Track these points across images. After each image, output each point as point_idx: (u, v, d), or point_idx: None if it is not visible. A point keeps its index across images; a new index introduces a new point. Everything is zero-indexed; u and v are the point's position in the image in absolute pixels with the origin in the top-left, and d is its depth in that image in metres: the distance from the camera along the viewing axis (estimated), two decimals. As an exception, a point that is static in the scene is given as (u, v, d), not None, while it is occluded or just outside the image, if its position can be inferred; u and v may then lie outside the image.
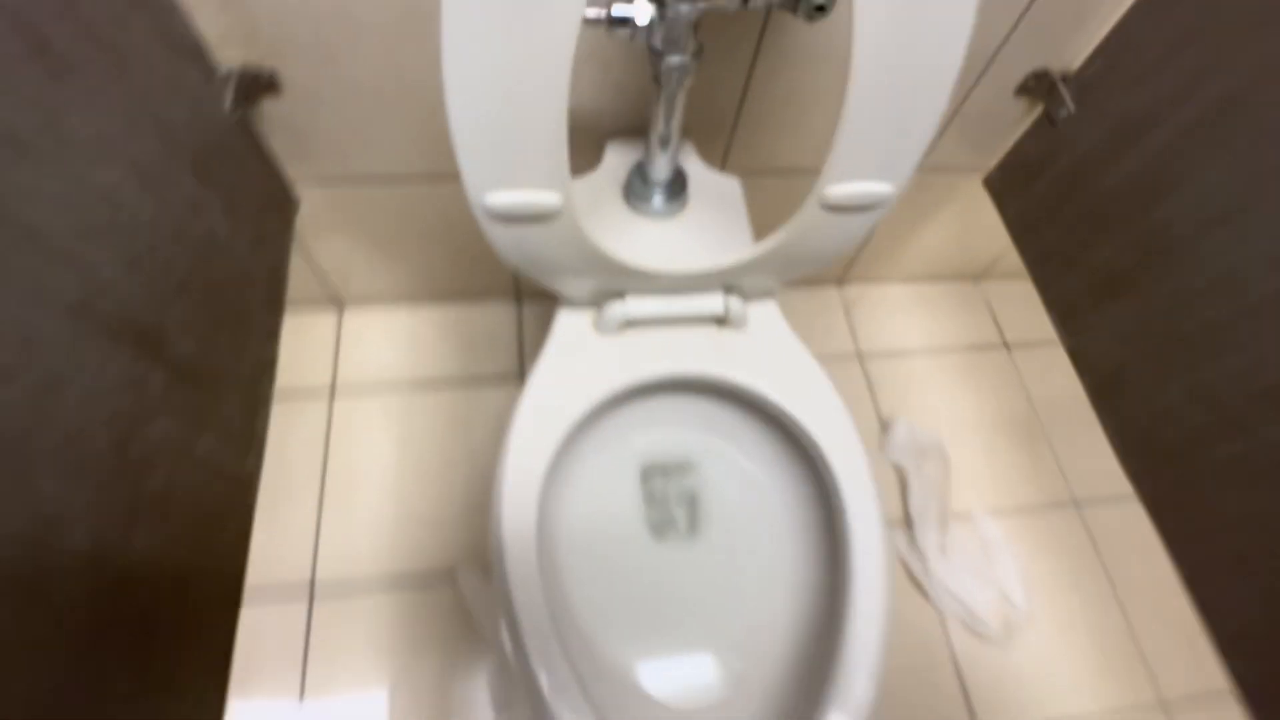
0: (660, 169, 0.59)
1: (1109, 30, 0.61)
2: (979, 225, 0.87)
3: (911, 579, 0.81)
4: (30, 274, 0.31)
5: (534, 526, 0.48)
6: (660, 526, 0.62)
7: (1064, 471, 0.91)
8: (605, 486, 0.62)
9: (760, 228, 0.57)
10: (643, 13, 0.44)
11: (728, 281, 0.54)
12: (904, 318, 0.99)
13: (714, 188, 0.63)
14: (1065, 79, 0.66)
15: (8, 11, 0.31)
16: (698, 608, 0.58)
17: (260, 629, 0.73)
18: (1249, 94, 0.49)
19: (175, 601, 0.41)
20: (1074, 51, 0.64)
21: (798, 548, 0.57)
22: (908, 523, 0.84)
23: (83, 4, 0.37)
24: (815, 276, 1.00)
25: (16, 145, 0.31)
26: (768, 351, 0.57)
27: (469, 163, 0.39)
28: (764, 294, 0.58)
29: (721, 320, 0.57)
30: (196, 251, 0.46)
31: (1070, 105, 0.65)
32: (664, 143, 0.55)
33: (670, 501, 0.63)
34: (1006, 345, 1.00)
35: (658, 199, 0.60)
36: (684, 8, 0.44)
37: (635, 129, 0.65)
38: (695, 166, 0.64)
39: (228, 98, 0.52)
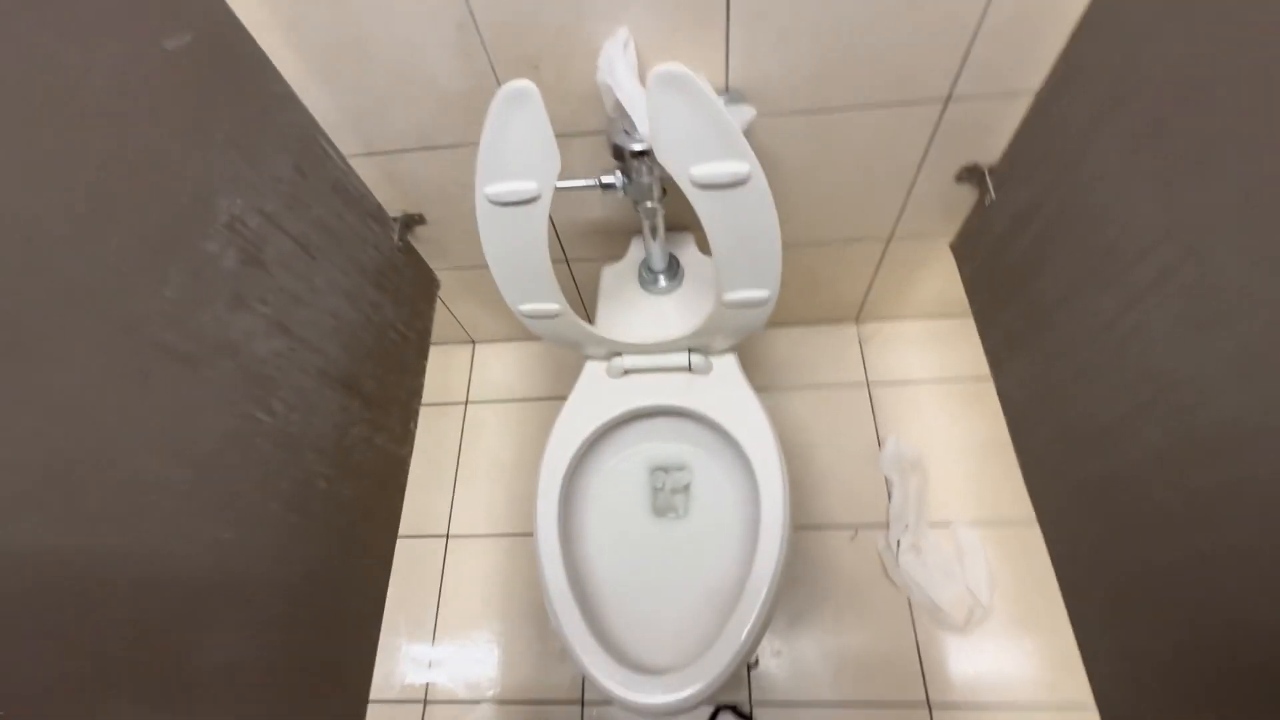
0: (656, 261, 0.85)
1: (1011, 138, 0.76)
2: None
3: (885, 573, 0.98)
4: (298, 358, 0.67)
5: (557, 508, 0.77)
6: (662, 509, 0.89)
7: (1056, 492, 1.01)
8: (623, 479, 0.89)
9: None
10: (617, 180, 0.71)
11: (688, 345, 0.79)
12: (912, 350, 1.14)
13: (704, 269, 0.88)
14: (991, 171, 0.81)
15: (279, 225, 0.67)
16: (685, 563, 0.84)
17: (413, 558, 1.11)
18: (1077, 205, 0.64)
19: (367, 524, 0.77)
20: (996, 150, 0.79)
21: (744, 524, 0.81)
22: (889, 525, 1.01)
23: (316, 208, 0.73)
24: (835, 317, 1.19)
25: (294, 298, 0.67)
26: (722, 391, 0.81)
27: (505, 289, 0.69)
28: (725, 350, 0.82)
29: (691, 369, 0.82)
30: (376, 330, 0.82)
31: (993, 193, 0.80)
32: (656, 245, 0.82)
33: (669, 491, 0.89)
34: (1017, 376, 1.11)
35: (659, 281, 0.87)
36: (645, 179, 0.70)
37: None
38: (691, 253, 0.89)
39: (395, 233, 0.88)
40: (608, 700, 0.97)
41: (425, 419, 1.23)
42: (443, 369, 1.28)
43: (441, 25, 0.64)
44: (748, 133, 0.75)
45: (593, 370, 0.86)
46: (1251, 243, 0.44)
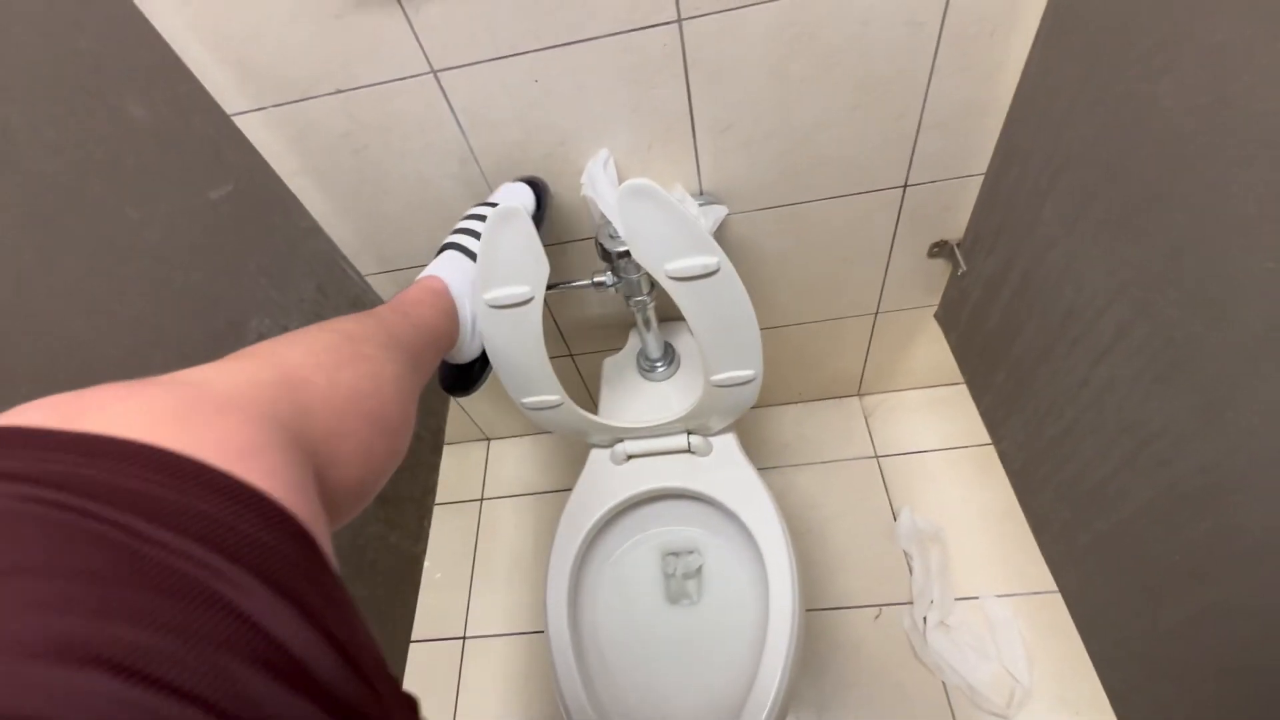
0: (652, 350, 0.90)
1: (970, 214, 0.81)
2: (957, 343, 1.04)
3: (915, 654, 0.94)
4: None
5: (566, 602, 0.77)
6: (675, 596, 0.88)
7: (1084, 558, 0.97)
8: (634, 567, 0.90)
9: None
10: (608, 278, 0.77)
11: (686, 427, 0.82)
12: (917, 419, 1.15)
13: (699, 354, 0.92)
14: (958, 244, 0.86)
15: None
16: (701, 652, 0.82)
17: (428, 663, 1.10)
18: (1037, 271, 0.68)
19: (379, 627, 0.78)
20: (960, 225, 0.85)
21: (757, 607, 0.80)
22: (913, 602, 0.98)
23: (345, 327, 0.80)
24: (836, 391, 1.21)
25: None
26: (724, 471, 0.83)
27: (508, 383, 0.74)
28: (723, 430, 0.85)
29: (691, 450, 0.84)
30: (392, 432, 0.87)
31: (963, 264, 0.84)
32: (650, 335, 0.87)
33: (681, 576, 0.89)
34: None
35: (657, 368, 0.91)
36: (633, 275, 0.77)
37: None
38: (686, 340, 0.94)
39: (410, 340, 0.95)
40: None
41: (441, 518, 1.25)
42: (458, 467, 1.31)
43: (447, 161, 0.73)
44: (724, 227, 0.82)
45: (597, 458, 0.89)
46: (1186, 297, 0.47)
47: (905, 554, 1.02)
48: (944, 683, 0.92)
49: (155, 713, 0.15)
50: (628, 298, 0.79)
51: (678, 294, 0.62)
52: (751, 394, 0.74)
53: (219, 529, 0.20)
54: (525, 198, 0.70)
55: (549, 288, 0.65)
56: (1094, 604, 0.68)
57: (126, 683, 0.15)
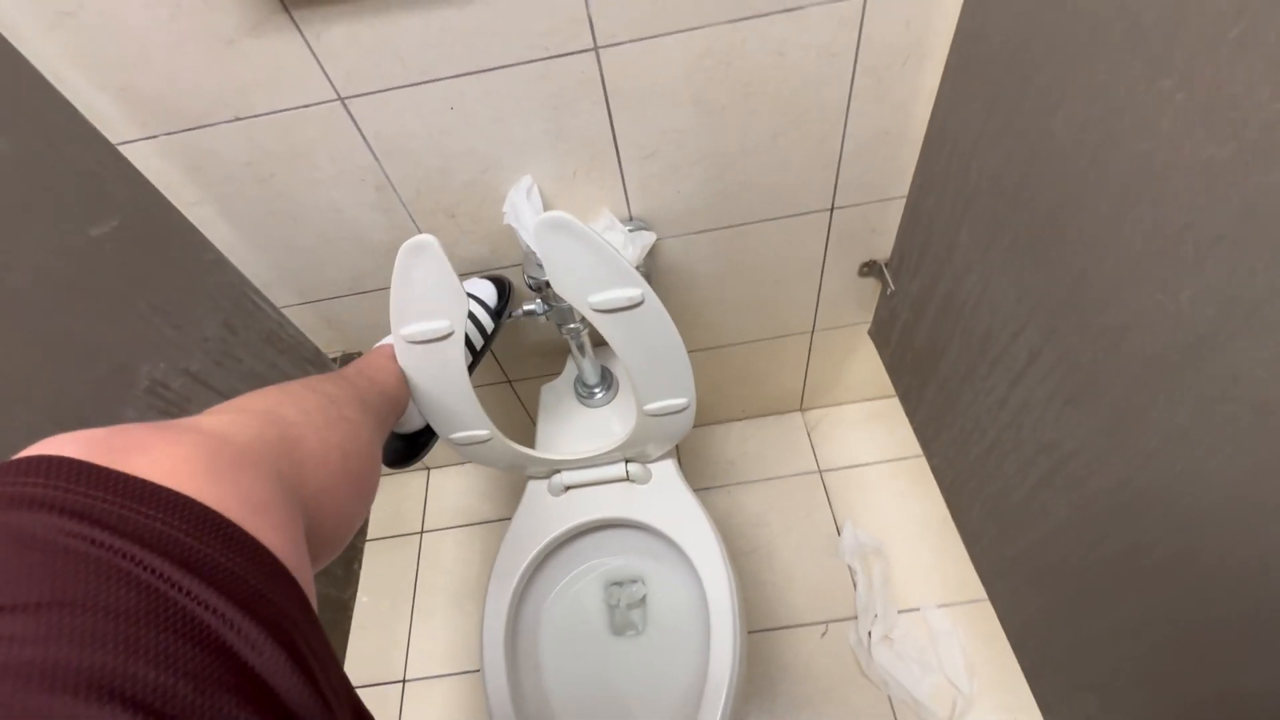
0: (589, 376, 0.88)
1: (895, 236, 0.83)
2: (892, 358, 1.06)
3: (861, 670, 0.95)
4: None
5: (503, 640, 0.75)
6: (620, 627, 0.86)
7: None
8: (576, 600, 0.87)
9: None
10: (538, 307, 0.75)
11: (624, 455, 0.81)
12: (858, 433, 1.17)
13: (636, 378, 0.91)
14: (886, 264, 0.87)
15: (205, 383, 0.69)
16: (647, 682, 0.80)
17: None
18: (957, 294, 0.69)
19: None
20: (886, 246, 0.86)
21: (701, 634, 0.78)
22: (858, 617, 0.98)
23: (249, 360, 0.75)
24: (779, 408, 1.22)
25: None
26: (663, 498, 0.82)
27: (434, 420, 0.71)
28: (661, 458, 0.84)
29: (630, 479, 0.83)
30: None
31: (891, 284, 0.86)
32: (586, 361, 0.85)
33: (625, 607, 0.87)
34: (961, 449, 1.13)
35: (595, 394, 0.90)
36: (563, 304, 0.75)
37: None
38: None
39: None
40: None
41: (377, 554, 1.19)
42: (395, 499, 1.26)
43: (362, 189, 0.70)
44: (655, 252, 0.81)
45: (535, 491, 0.86)
46: (1087, 324, 0.48)
47: (850, 569, 1.03)
48: (889, 697, 0.92)
49: None
50: (559, 325, 0.78)
51: (603, 326, 0.61)
52: (686, 421, 0.73)
53: (236, 582, 0.22)
54: (487, 292, 0.75)
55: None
56: (1022, 616, 0.69)
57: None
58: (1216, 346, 0.36)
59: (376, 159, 0.66)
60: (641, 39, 0.58)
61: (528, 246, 0.71)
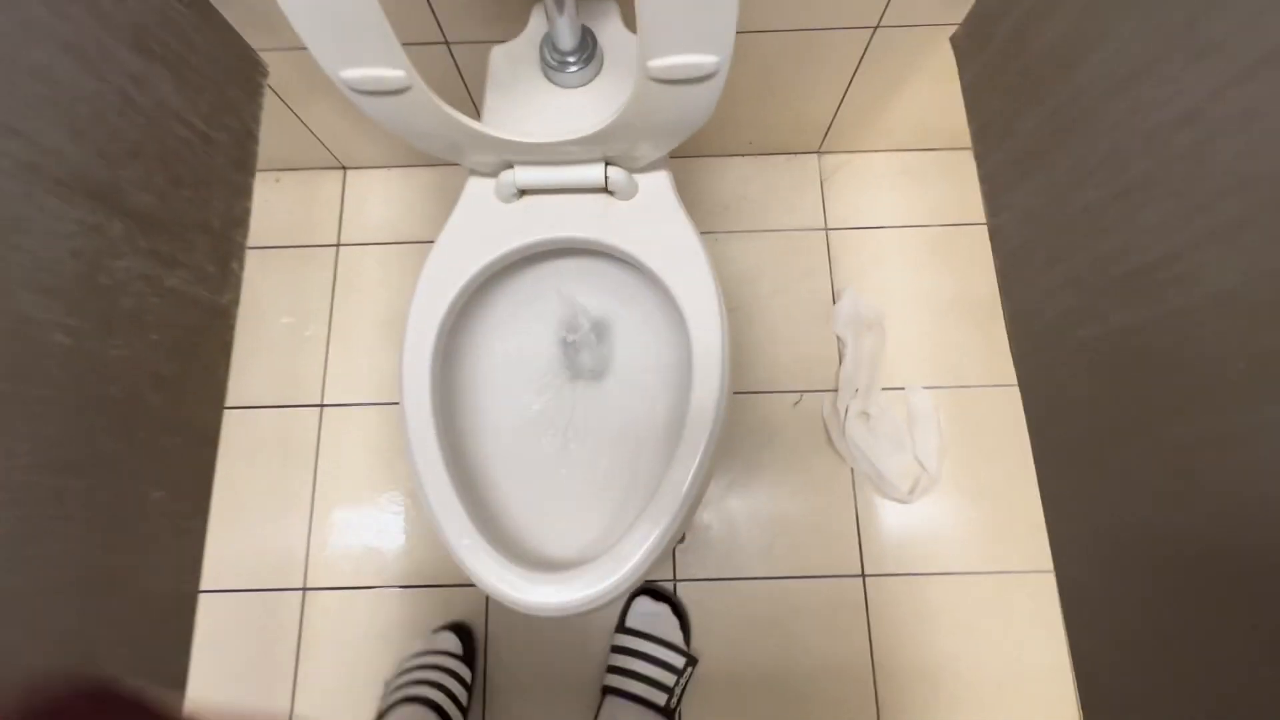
0: (564, 39, 0.60)
1: None
2: (959, 88, 0.81)
3: (830, 441, 0.88)
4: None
5: (429, 374, 0.59)
6: (575, 372, 0.72)
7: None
8: (521, 337, 0.71)
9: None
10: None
11: (604, 153, 0.58)
12: (880, 189, 0.96)
13: (631, 50, 0.64)
14: (1027, -85, 0.58)
15: None
16: (602, 437, 0.69)
17: (288, 432, 0.93)
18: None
19: (160, 393, 0.56)
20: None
21: (675, 390, 0.66)
22: (838, 390, 0.89)
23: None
24: (794, 145, 0.98)
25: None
26: (651, 220, 0.61)
27: (313, 43, 0.44)
28: (653, 166, 0.61)
29: (609, 189, 0.61)
30: (147, 119, 0.56)
31: (1026, -52, 0.58)
32: (563, 16, 0.57)
33: (581, 349, 0.72)
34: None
35: (568, 65, 0.62)
36: None
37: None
38: (614, 28, 0.65)
39: (170, -26, 0.59)
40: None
41: (286, 264, 0.98)
42: (305, 201, 1.01)
43: None
44: None
45: (477, 190, 0.64)
46: None
47: (839, 339, 0.91)
48: (852, 469, 0.87)
49: None
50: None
51: None
52: (708, 99, 0.50)
53: None
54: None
55: None
56: (1058, 397, 0.58)
57: None
58: None
59: None
60: None
61: None
